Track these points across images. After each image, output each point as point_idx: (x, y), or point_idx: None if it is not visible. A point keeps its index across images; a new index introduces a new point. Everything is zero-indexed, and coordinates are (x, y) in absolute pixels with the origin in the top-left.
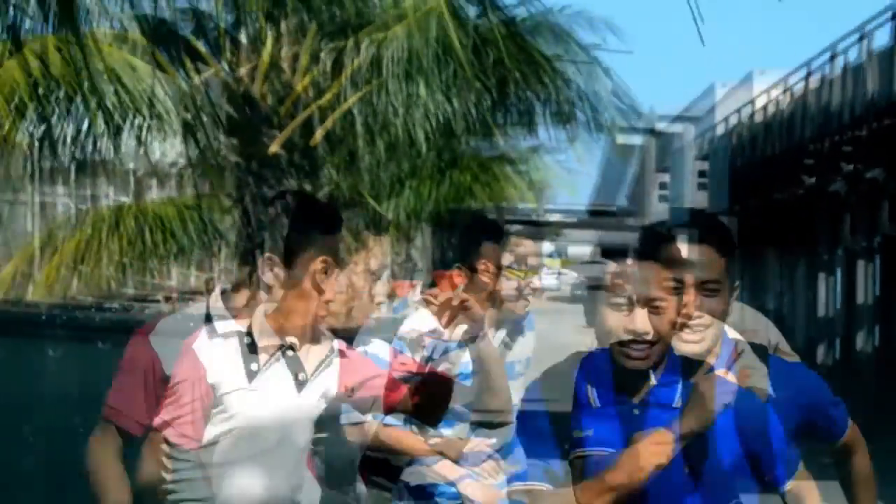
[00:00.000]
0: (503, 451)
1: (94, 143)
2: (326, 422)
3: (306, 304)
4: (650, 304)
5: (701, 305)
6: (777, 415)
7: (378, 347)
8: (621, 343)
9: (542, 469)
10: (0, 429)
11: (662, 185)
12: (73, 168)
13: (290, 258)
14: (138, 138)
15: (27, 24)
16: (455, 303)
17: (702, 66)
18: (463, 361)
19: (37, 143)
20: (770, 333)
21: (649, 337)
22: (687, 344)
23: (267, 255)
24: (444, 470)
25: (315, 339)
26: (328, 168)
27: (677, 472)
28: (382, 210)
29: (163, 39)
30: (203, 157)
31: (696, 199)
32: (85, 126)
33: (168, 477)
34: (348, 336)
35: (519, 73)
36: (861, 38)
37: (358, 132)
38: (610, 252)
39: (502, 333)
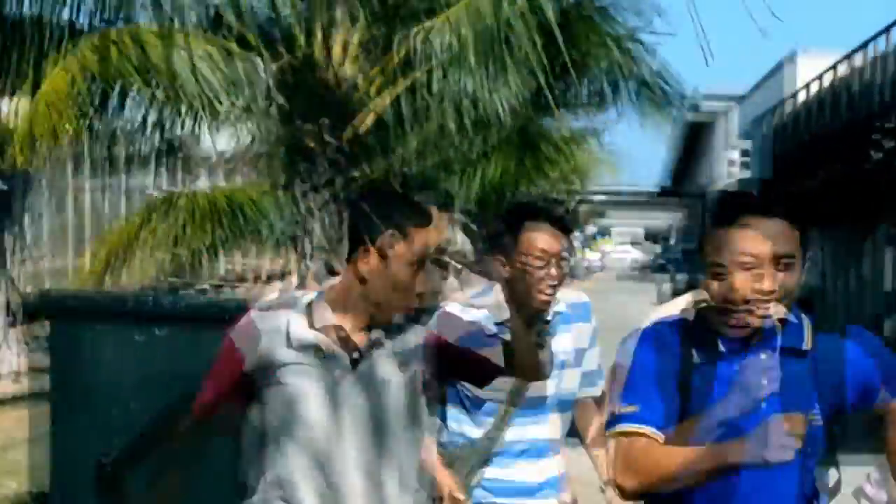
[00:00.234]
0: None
1: (183, 127)
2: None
3: (396, 294)
4: (779, 262)
5: (774, 280)
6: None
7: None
8: (746, 305)
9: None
10: (105, 409)
11: (744, 153)
12: (155, 155)
13: (384, 250)
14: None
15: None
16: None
17: (751, 45)
18: None
19: (120, 132)
20: None
21: (776, 296)
22: (758, 319)
23: (361, 247)
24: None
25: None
26: (402, 150)
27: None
28: (467, 184)
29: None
30: (287, 140)
31: (767, 174)
32: (167, 113)
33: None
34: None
35: (590, 52)
36: None
37: (433, 115)
38: (724, 214)
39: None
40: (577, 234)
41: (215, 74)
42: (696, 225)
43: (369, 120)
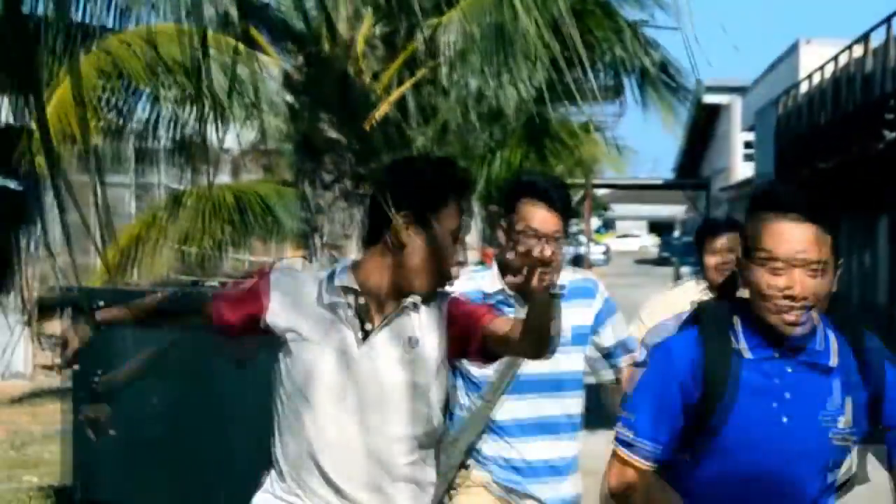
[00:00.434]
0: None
1: (200, 125)
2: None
3: (433, 263)
4: (810, 266)
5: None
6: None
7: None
8: (776, 304)
9: None
10: (126, 404)
11: (748, 145)
12: (167, 151)
13: (424, 218)
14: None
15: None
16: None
17: (753, 35)
18: None
19: (133, 127)
20: None
21: (808, 302)
22: (790, 326)
23: (403, 214)
24: None
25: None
26: (421, 141)
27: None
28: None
29: (263, 22)
30: (307, 135)
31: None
32: (183, 110)
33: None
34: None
35: (605, 40)
36: None
37: (451, 104)
38: (765, 207)
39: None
40: (581, 226)
41: (226, 74)
42: (700, 216)
43: (378, 116)
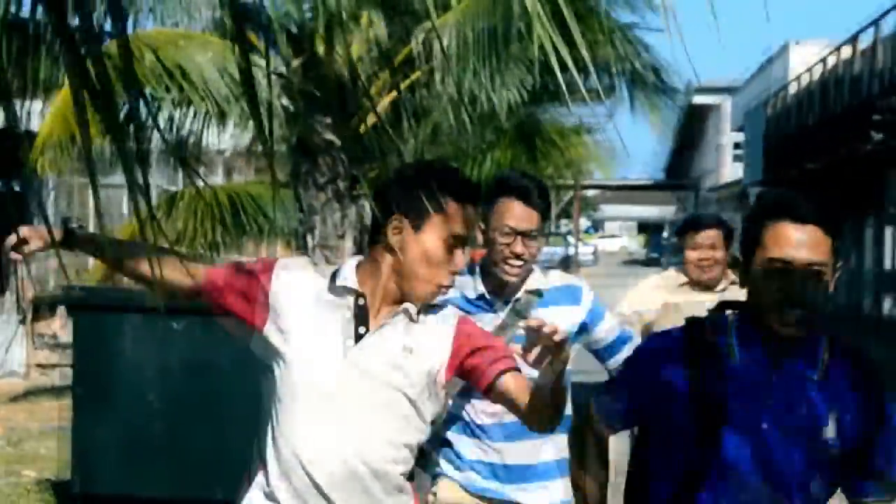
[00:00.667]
0: None
1: (204, 126)
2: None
3: (426, 269)
4: (814, 270)
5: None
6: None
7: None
8: (779, 307)
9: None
10: (125, 400)
11: (737, 145)
12: (162, 153)
13: (419, 223)
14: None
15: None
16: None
17: (743, 36)
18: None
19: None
20: None
21: (810, 307)
22: (789, 329)
23: (395, 217)
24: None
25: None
26: (414, 142)
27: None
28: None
29: (259, 25)
30: (302, 137)
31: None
32: (178, 114)
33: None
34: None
35: (595, 43)
36: None
37: (444, 105)
38: (771, 212)
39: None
40: (570, 227)
41: (223, 77)
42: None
43: (370, 119)
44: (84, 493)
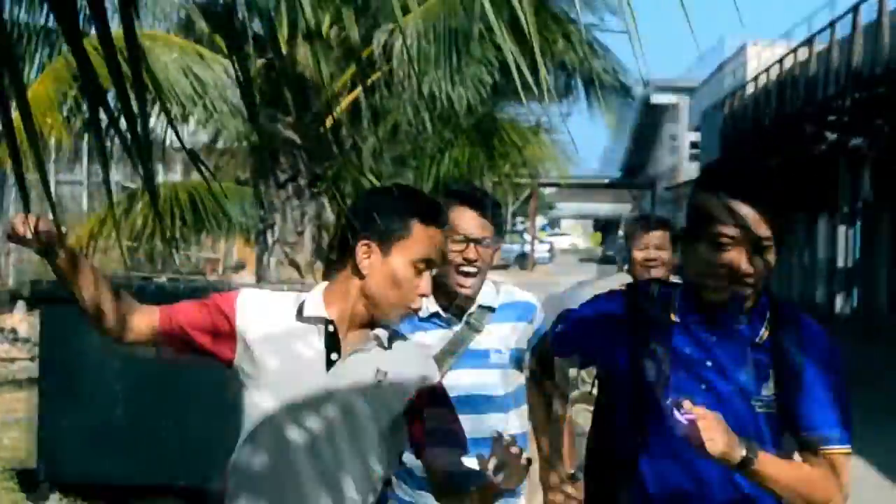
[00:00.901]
0: None
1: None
2: None
3: (395, 292)
4: (755, 244)
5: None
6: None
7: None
8: (720, 280)
9: None
10: (90, 391)
11: (694, 145)
12: (121, 150)
13: (386, 246)
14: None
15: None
16: None
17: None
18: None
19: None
20: None
21: (751, 280)
22: (731, 303)
23: (363, 241)
24: None
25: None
26: (372, 141)
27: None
28: (423, 178)
29: (222, 25)
30: (260, 137)
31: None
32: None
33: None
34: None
35: (553, 42)
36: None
37: (403, 104)
38: (713, 184)
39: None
40: (526, 224)
41: (187, 77)
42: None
43: (330, 118)
44: (49, 480)
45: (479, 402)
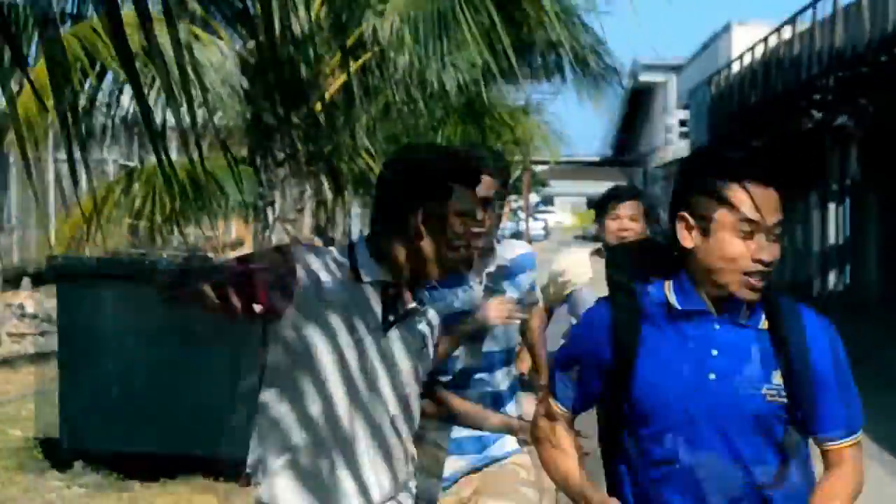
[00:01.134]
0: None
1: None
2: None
3: (450, 250)
4: (772, 232)
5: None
6: None
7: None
8: (748, 272)
9: None
10: (106, 362)
11: (683, 123)
12: (121, 129)
13: (434, 210)
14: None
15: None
16: None
17: (685, 16)
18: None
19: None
20: None
21: (772, 267)
22: (753, 293)
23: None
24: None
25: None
26: (366, 119)
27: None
28: None
29: (217, 7)
30: (259, 114)
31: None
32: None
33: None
34: None
35: (534, 29)
36: None
37: (394, 86)
38: (730, 170)
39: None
40: (520, 202)
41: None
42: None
43: (328, 96)
44: (72, 449)
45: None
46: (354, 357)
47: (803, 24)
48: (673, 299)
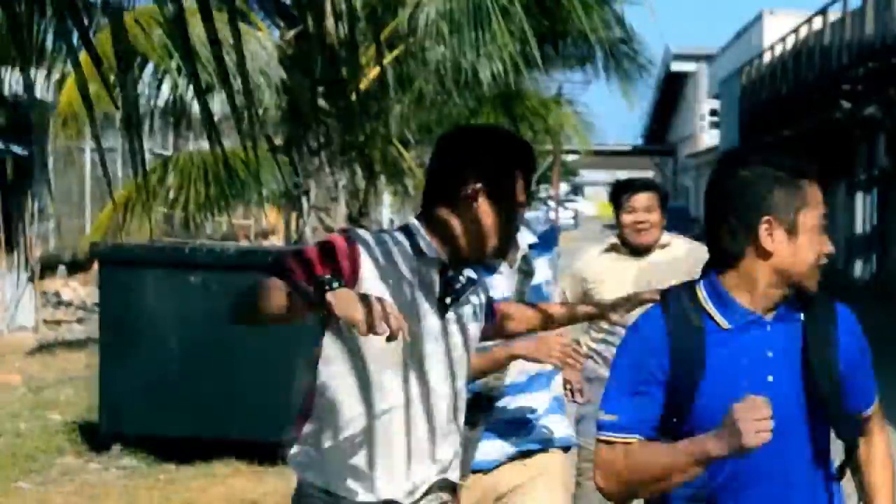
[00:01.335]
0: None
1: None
2: None
3: (499, 234)
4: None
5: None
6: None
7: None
8: (819, 268)
9: None
10: (148, 347)
11: (713, 112)
12: (156, 119)
13: (496, 190)
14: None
15: None
16: None
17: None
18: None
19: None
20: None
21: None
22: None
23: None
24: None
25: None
26: (399, 108)
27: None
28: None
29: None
30: (296, 104)
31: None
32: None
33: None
34: None
35: (573, 14)
36: None
37: (429, 75)
38: (799, 170)
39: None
40: (550, 191)
41: (224, 49)
42: (667, 182)
43: (363, 86)
44: (111, 433)
45: None
46: (415, 335)
47: (834, 13)
48: (716, 311)
